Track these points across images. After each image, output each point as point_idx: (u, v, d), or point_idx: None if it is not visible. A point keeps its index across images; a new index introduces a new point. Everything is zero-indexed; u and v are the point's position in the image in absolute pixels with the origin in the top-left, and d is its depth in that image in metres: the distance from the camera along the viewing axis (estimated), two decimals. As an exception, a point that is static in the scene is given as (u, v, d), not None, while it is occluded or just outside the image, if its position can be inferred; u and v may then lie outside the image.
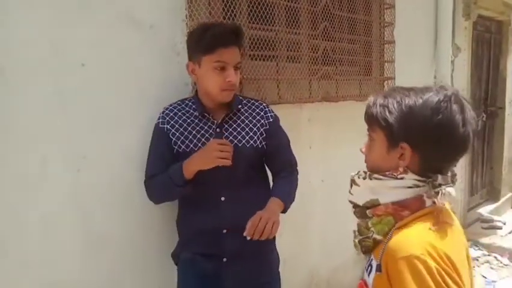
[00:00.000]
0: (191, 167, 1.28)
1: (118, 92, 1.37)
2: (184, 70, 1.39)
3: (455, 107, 0.78)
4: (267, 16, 1.75)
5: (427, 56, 3.16)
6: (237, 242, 1.32)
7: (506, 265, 3.34)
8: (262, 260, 1.42)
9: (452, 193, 0.80)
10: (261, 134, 1.40)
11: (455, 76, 3.36)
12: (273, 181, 1.50)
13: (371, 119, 0.85)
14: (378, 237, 0.83)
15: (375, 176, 0.84)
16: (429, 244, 0.75)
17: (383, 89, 2.54)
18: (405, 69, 2.64)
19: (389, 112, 0.81)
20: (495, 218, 4.06)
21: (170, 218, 1.48)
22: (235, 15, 1.61)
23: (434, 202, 0.82)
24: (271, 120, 1.44)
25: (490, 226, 3.89)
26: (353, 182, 0.89)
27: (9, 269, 1.18)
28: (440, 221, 0.79)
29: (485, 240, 3.54)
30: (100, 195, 1.35)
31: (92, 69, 1.31)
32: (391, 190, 0.83)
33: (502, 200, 4.55)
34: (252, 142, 1.37)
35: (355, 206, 0.89)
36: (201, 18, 1.51)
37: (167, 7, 1.49)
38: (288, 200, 1.41)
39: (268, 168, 1.51)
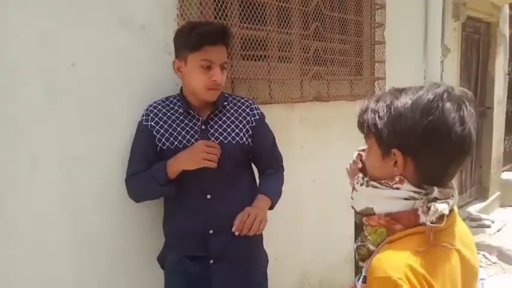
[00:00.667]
0: (175, 166, 1.27)
1: (108, 92, 1.37)
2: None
3: (448, 105, 0.71)
4: (259, 16, 1.76)
5: (417, 57, 3.19)
6: (224, 243, 1.33)
7: (494, 263, 3.39)
8: (250, 260, 1.41)
9: (442, 211, 0.71)
10: (247, 130, 1.40)
11: (445, 76, 3.40)
12: (259, 178, 1.50)
13: (363, 126, 0.80)
14: (372, 247, 0.80)
15: (372, 183, 0.79)
16: (410, 268, 0.67)
17: (374, 89, 2.56)
18: (395, 70, 2.66)
19: (379, 117, 0.76)
20: (483, 216, 4.11)
21: (161, 218, 1.47)
22: (226, 14, 1.61)
23: (424, 217, 0.73)
24: (257, 117, 1.44)
25: (479, 225, 3.95)
26: (353, 186, 0.85)
27: (-2, 270, 1.17)
28: (430, 243, 0.70)
29: (474, 238, 3.58)
30: (90, 196, 1.34)
31: (83, 69, 1.30)
32: (386, 200, 0.77)
33: (491, 198, 4.61)
34: (238, 139, 1.37)
35: (355, 211, 0.85)
36: (192, 18, 1.50)
37: (159, 7, 1.48)
38: (275, 197, 1.42)
39: (254, 165, 1.51)
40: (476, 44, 4.31)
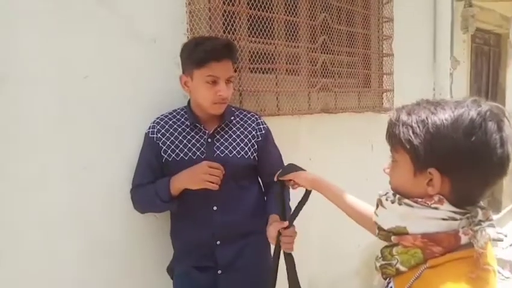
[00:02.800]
0: (178, 184, 1.29)
1: (119, 104, 1.40)
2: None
3: (490, 124, 0.68)
4: (267, 30, 1.79)
5: (426, 69, 3.19)
6: (231, 253, 1.34)
7: (507, 278, 3.32)
8: (258, 271, 1.41)
9: (492, 235, 0.69)
10: (252, 145, 1.41)
11: (454, 88, 3.39)
12: (265, 193, 1.51)
13: (394, 139, 0.76)
14: (403, 268, 0.74)
15: (406, 201, 0.74)
16: None
17: (382, 101, 2.56)
18: (404, 82, 2.67)
19: (414, 133, 0.71)
20: (497, 229, 4.04)
21: (169, 227, 1.49)
22: (235, 29, 1.65)
23: (471, 241, 0.69)
24: (263, 132, 1.45)
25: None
26: (379, 203, 0.80)
27: (7, 278, 1.19)
28: (480, 267, 0.67)
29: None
30: (100, 206, 1.37)
31: (95, 81, 1.33)
32: (422, 220, 0.72)
33: (504, 211, 4.53)
34: (243, 153, 1.38)
35: (379, 228, 0.80)
36: (201, 32, 1.54)
37: (169, 21, 1.52)
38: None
39: (260, 180, 1.52)
40: (486, 56, 4.29)
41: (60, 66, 1.27)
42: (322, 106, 2.14)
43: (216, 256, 1.35)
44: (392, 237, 0.76)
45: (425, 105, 0.74)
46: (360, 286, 2.51)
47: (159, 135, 1.37)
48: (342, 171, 2.22)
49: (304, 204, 1.27)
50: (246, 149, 1.39)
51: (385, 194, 0.79)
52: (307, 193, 1.26)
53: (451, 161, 0.69)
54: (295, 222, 1.30)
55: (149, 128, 1.39)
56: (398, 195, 0.77)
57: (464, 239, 0.70)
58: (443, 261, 0.70)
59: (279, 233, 1.27)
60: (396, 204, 0.76)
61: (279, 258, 1.30)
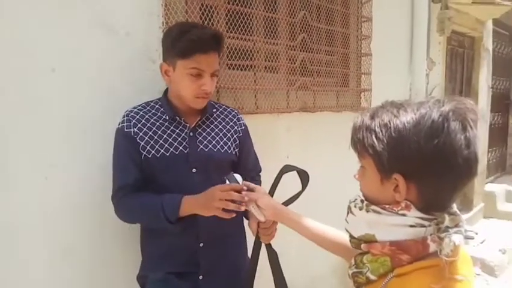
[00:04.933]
0: (189, 208, 1.18)
1: (89, 99, 1.34)
2: (160, 78, 1.37)
3: (454, 125, 0.65)
4: (245, 26, 1.75)
5: (403, 69, 3.23)
6: (213, 257, 1.29)
7: (478, 275, 3.41)
8: (238, 274, 1.36)
9: (458, 242, 0.66)
10: (234, 140, 1.37)
11: (430, 89, 3.45)
12: None
13: (358, 145, 0.74)
14: (372, 277, 0.72)
15: (373, 208, 0.72)
16: None
17: (360, 101, 2.57)
18: (382, 82, 2.69)
19: (377, 138, 0.69)
20: (468, 228, 4.15)
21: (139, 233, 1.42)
22: (212, 23, 1.61)
23: (440, 249, 0.67)
24: (243, 127, 1.42)
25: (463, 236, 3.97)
26: (349, 209, 0.78)
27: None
28: (446, 277, 0.64)
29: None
30: (68, 205, 1.30)
31: (63, 75, 1.27)
32: (390, 227, 0.70)
33: (475, 210, 4.66)
34: (226, 148, 1.34)
35: (350, 236, 0.79)
36: (177, 26, 1.49)
37: (144, 14, 1.47)
38: None
39: None
40: (461, 58, 4.39)
41: (25, 57, 1.19)
42: (300, 105, 2.13)
43: (198, 260, 1.28)
44: (362, 245, 0.75)
45: (388, 107, 0.71)
46: (338, 285, 2.52)
47: (136, 129, 1.24)
48: (319, 170, 2.21)
49: (275, 189, 1.23)
50: (229, 144, 1.35)
51: (354, 201, 0.77)
52: (298, 194, 1.23)
53: (414, 165, 0.67)
54: None
55: (122, 123, 1.26)
56: (366, 202, 0.74)
57: (433, 247, 0.68)
58: (410, 270, 0.68)
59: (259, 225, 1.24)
60: (364, 211, 0.74)
61: (259, 249, 1.26)
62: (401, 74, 3.21)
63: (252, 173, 1.48)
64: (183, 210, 1.18)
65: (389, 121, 0.68)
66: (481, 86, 4.62)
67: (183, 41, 1.18)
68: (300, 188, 1.25)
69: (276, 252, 1.24)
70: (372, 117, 0.71)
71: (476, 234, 4.06)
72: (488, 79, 4.86)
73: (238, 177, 1.19)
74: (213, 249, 1.29)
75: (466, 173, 0.67)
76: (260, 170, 1.54)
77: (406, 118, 0.67)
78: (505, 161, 6.16)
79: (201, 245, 1.28)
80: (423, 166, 0.66)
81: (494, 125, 5.51)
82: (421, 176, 0.67)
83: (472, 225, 4.36)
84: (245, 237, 1.42)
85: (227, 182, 1.17)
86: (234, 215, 1.15)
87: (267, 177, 1.36)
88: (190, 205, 1.18)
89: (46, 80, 1.24)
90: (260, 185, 1.51)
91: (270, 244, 1.25)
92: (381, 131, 0.69)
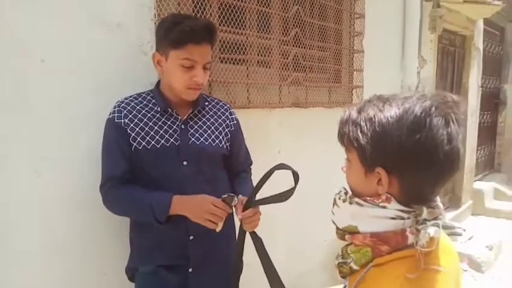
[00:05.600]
0: (179, 210, 1.19)
1: (79, 91, 1.32)
2: (152, 70, 1.36)
3: (436, 120, 0.66)
4: (238, 19, 1.75)
5: (395, 66, 3.25)
6: (203, 250, 1.29)
7: (465, 271, 3.46)
8: (228, 268, 1.35)
9: (434, 235, 0.67)
10: (226, 134, 1.37)
11: (421, 87, 3.47)
12: (233, 180, 1.46)
13: (344, 139, 0.75)
14: (355, 267, 0.74)
15: (356, 200, 0.74)
16: None
17: (352, 97, 2.59)
18: (373, 79, 2.70)
19: (361, 132, 0.70)
20: (456, 224, 4.21)
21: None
22: (205, 16, 1.60)
23: (416, 240, 0.69)
24: (235, 122, 1.43)
25: (451, 233, 4.02)
26: (334, 201, 0.79)
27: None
28: (421, 267, 0.66)
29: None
30: (60, 198, 1.29)
31: (53, 67, 1.25)
32: (371, 219, 0.72)
33: (463, 207, 4.73)
34: (217, 141, 1.34)
35: (336, 227, 0.80)
36: (170, 19, 1.48)
37: (136, 6, 1.45)
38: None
39: (229, 169, 1.47)
40: (452, 56, 4.43)
41: (14, 48, 1.17)
42: (293, 100, 2.13)
43: (187, 253, 1.28)
44: (346, 236, 0.77)
45: (375, 102, 0.72)
46: (327, 280, 2.54)
47: (126, 120, 1.23)
48: (311, 165, 2.23)
49: (263, 184, 1.23)
50: (220, 137, 1.35)
51: (339, 193, 0.79)
52: (269, 173, 1.23)
53: (396, 160, 0.68)
54: (263, 221, 1.28)
55: (113, 113, 1.25)
56: (349, 194, 0.76)
57: (411, 238, 0.70)
58: (388, 260, 0.70)
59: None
60: (347, 203, 0.75)
61: (243, 237, 1.27)
62: (393, 71, 3.23)
63: (244, 166, 1.49)
64: (173, 211, 1.19)
65: (374, 115, 0.70)
66: (471, 84, 4.67)
67: (176, 31, 1.18)
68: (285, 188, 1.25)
69: (261, 239, 1.25)
70: (359, 112, 0.73)
71: (464, 230, 4.11)
72: (478, 78, 4.91)
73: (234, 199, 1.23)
74: (202, 242, 1.28)
75: (448, 168, 0.69)
76: (251, 163, 1.54)
77: (390, 113, 0.69)
78: (493, 159, 6.24)
79: (191, 238, 1.28)
80: (405, 160, 0.67)
81: (483, 123, 5.58)
82: (403, 170, 0.69)
83: (460, 222, 4.42)
84: (235, 230, 1.42)
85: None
86: (216, 227, 1.19)
87: (258, 171, 1.36)
88: (180, 207, 1.19)
89: (36, 72, 1.22)
90: (250, 177, 1.52)
91: (254, 232, 1.26)
92: (366, 125, 0.70)
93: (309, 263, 2.43)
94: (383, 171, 0.70)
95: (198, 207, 1.18)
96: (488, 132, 5.91)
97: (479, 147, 5.45)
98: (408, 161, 0.67)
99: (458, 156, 0.68)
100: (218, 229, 1.20)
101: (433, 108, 0.67)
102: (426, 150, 0.66)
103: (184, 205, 1.19)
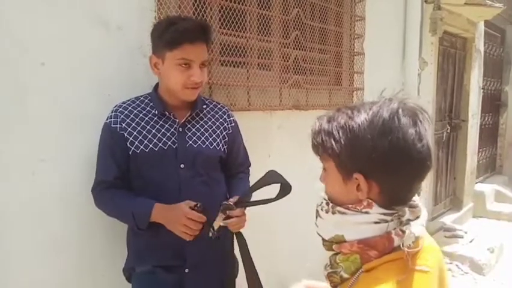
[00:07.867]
0: (158, 218, 1.22)
1: (79, 93, 1.32)
2: (151, 72, 1.36)
3: (404, 120, 0.68)
4: (239, 22, 1.75)
5: (395, 69, 3.25)
6: (199, 250, 1.29)
7: (466, 273, 3.45)
8: (224, 269, 1.37)
9: (418, 234, 0.69)
10: (223, 137, 1.38)
11: (422, 89, 3.47)
12: (230, 181, 1.47)
13: (318, 149, 0.76)
14: (345, 275, 0.75)
15: (338, 209, 0.74)
16: None
17: (352, 99, 2.58)
18: (374, 81, 2.70)
19: (334, 140, 0.72)
20: (457, 227, 4.20)
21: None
22: (206, 19, 1.60)
23: (402, 242, 0.70)
24: (233, 124, 1.43)
25: (453, 235, 4.02)
26: (317, 213, 0.80)
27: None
28: (410, 269, 0.68)
29: (447, 248, 3.64)
30: (57, 198, 1.29)
31: (53, 69, 1.25)
32: (356, 226, 0.73)
33: (464, 209, 4.71)
34: (214, 144, 1.34)
35: (322, 239, 0.80)
36: (170, 21, 1.48)
37: (137, 8, 1.46)
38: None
39: (227, 171, 1.48)
40: (453, 58, 4.43)
41: (14, 51, 1.18)
42: (293, 102, 2.13)
43: (184, 254, 1.29)
44: (334, 246, 0.77)
45: (343, 110, 0.74)
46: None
47: (123, 125, 1.25)
48: (311, 168, 2.22)
49: (256, 189, 1.25)
50: (218, 140, 1.36)
51: (320, 204, 0.79)
52: (263, 182, 1.24)
53: (372, 163, 0.69)
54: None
55: (110, 118, 1.27)
56: (331, 204, 0.76)
57: (397, 240, 0.70)
58: (377, 264, 0.70)
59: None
60: (330, 214, 0.76)
61: (232, 239, 1.30)
62: (394, 73, 3.22)
63: (242, 168, 1.50)
64: (153, 219, 1.22)
65: (345, 123, 0.71)
66: (472, 86, 4.66)
67: (170, 32, 1.20)
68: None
69: (245, 240, 1.27)
70: (329, 121, 0.74)
71: (466, 233, 4.11)
72: (479, 80, 4.91)
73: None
74: (199, 243, 1.28)
75: (422, 165, 0.70)
76: (249, 165, 1.55)
77: (360, 118, 0.70)
78: (494, 162, 6.23)
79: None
80: (380, 163, 0.69)
81: (484, 125, 5.57)
82: (379, 173, 0.70)
83: (461, 224, 4.40)
84: (231, 231, 1.42)
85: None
86: (192, 239, 1.20)
87: (258, 173, 1.36)
88: (160, 216, 1.22)
89: (36, 74, 1.22)
90: (248, 178, 1.52)
91: (239, 232, 1.28)
92: (339, 132, 0.72)
93: (311, 267, 2.42)
94: (360, 177, 0.70)
95: (173, 219, 1.20)
96: (490, 134, 5.90)
97: (481, 149, 5.44)
98: (384, 163, 0.68)
99: (430, 153, 0.70)
100: (188, 239, 1.21)
101: (400, 110, 0.69)
102: (399, 150, 0.67)
103: (162, 215, 1.22)
